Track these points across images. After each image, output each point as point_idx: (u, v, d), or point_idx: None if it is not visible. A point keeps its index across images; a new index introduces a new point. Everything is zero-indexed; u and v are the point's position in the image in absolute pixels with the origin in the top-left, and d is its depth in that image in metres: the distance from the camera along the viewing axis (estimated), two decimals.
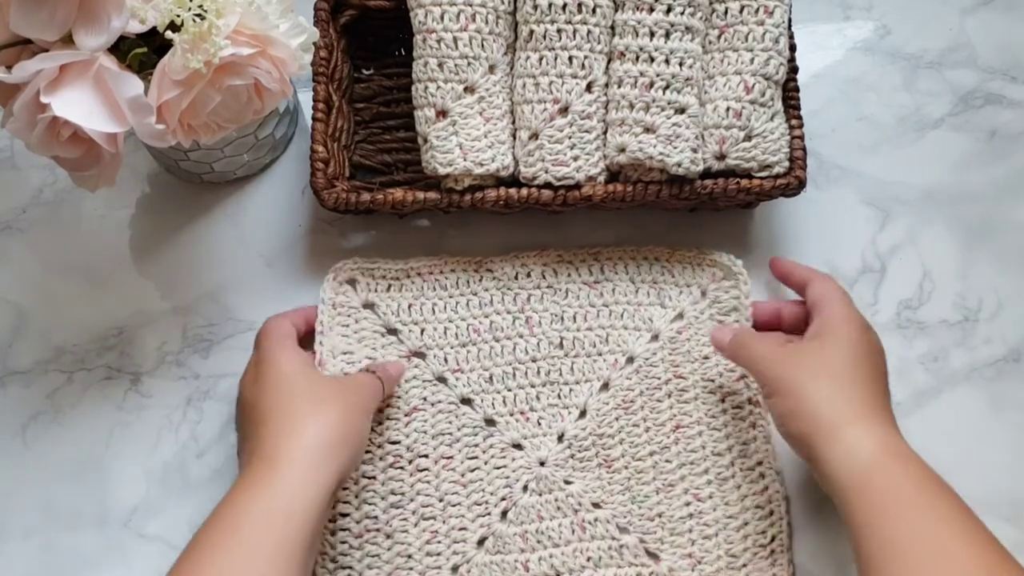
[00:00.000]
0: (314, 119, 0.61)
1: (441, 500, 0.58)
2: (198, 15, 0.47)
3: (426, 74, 0.61)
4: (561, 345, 0.61)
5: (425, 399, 0.60)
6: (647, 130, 0.60)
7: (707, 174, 0.61)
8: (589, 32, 0.60)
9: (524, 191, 0.61)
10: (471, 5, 0.60)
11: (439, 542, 0.57)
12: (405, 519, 0.58)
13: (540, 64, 0.61)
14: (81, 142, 0.49)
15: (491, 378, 0.61)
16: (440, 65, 0.60)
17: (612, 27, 0.61)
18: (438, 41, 0.60)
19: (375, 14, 0.65)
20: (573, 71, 0.61)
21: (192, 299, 0.64)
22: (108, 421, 0.62)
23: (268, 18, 0.50)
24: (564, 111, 0.61)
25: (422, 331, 0.62)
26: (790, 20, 0.62)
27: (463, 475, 0.58)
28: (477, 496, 0.58)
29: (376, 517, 0.57)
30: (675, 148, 0.59)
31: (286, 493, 0.47)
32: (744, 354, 0.57)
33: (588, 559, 0.57)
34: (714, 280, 0.63)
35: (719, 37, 0.61)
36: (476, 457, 0.59)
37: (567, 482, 0.59)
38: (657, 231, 0.66)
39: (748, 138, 0.60)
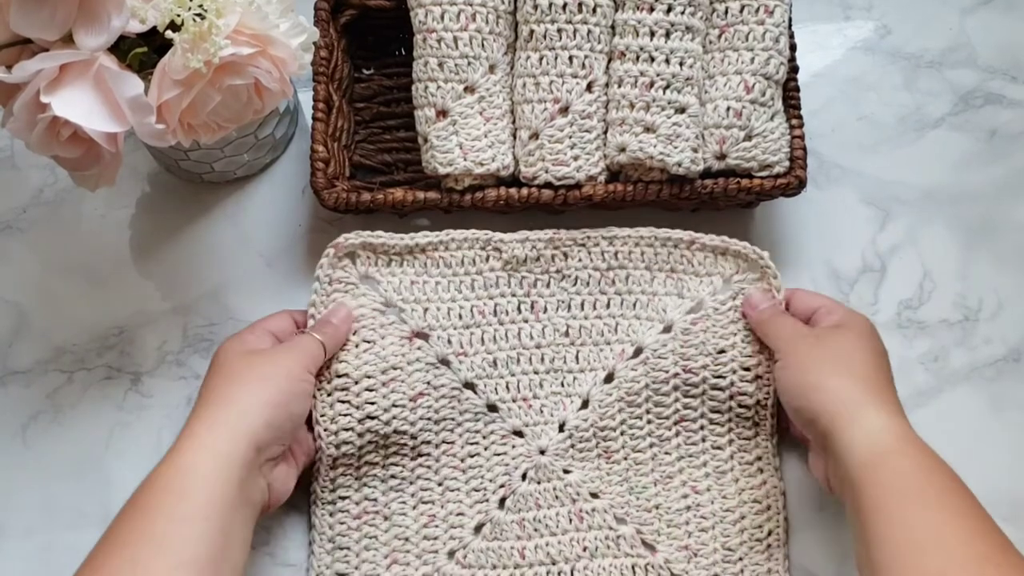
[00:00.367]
0: (314, 119, 0.61)
1: (440, 485, 0.58)
2: (198, 15, 0.47)
3: (426, 74, 0.61)
4: (567, 333, 0.60)
5: (429, 383, 0.58)
6: (647, 130, 0.60)
7: (707, 174, 0.61)
8: (589, 32, 0.60)
9: (524, 191, 0.61)
10: (471, 5, 0.60)
11: (436, 526, 0.58)
12: (404, 502, 0.58)
13: (540, 64, 0.61)
14: (81, 142, 0.49)
15: (495, 363, 0.60)
16: (440, 65, 0.60)
17: (612, 27, 0.61)
18: (438, 41, 0.60)
19: (375, 14, 0.65)
20: (573, 71, 0.61)
21: (192, 299, 0.64)
22: (108, 421, 0.62)
23: (268, 18, 0.50)
24: (564, 111, 0.61)
25: (425, 311, 0.60)
26: (790, 20, 0.62)
27: (463, 460, 0.58)
28: (476, 483, 0.58)
29: (375, 500, 0.58)
30: (675, 148, 0.59)
31: (181, 466, 0.48)
32: (773, 321, 0.57)
33: (584, 549, 0.57)
34: (739, 271, 0.61)
35: (719, 37, 0.61)
36: (477, 443, 0.59)
37: (566, 471, 0.59)
38: None
39: (748, 138, 0.60)
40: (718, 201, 0.62)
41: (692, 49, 0.60)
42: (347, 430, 0.57)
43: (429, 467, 0.58)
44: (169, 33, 0.47)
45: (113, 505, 0.59)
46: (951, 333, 0.64)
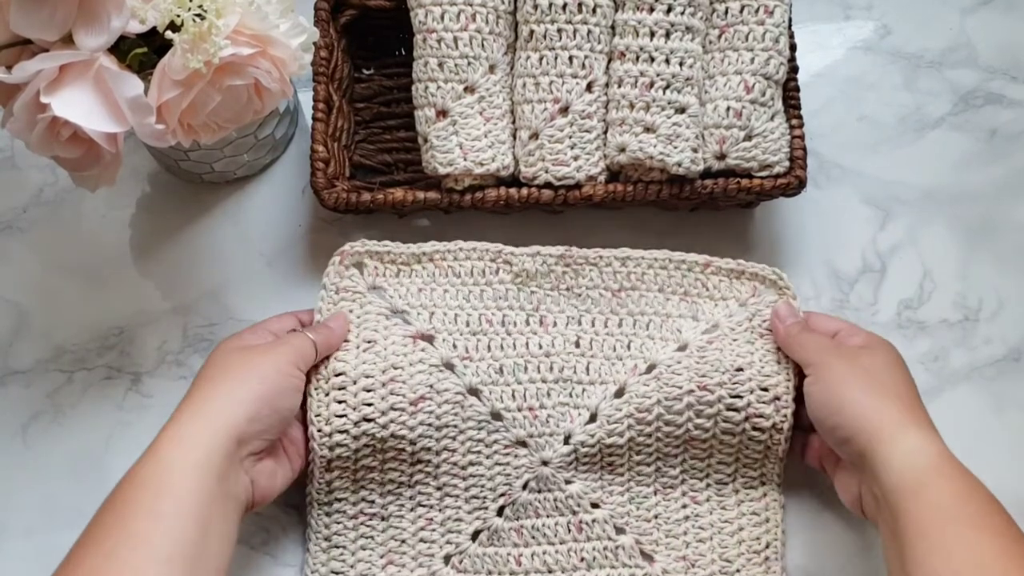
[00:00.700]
0: (314, 119, 0.61)
1: (439, 490, 0.58)
2: (198, 15, 0.47)
3: (426, 74, 0.61)
4: (578, 344, 0.59)
5: (432, 387, 0.56)
6: (647, 130, 0.60)
7: (707, 174, 0.61)
8: (589, 32, 0.60)
9: (524, 191, 0.61)
10: (471, 5, 0.60)
11: (433, 530, 0.57)
12: (401, 505, 0.58)
13: (540, 64, 0.61)
14: (81, 142, 0.49)
15: (501, 369, 0.58)
16: (440, 65, 0.60)
17: (612, 27, 0.61)
18: (438, 41, 0.60)
19: (375, 14, 0.65)
20: (573, 71, 0.61)
21: (192, 299, 0.64)
22: (108, 421, 0.62)
23: (268, 18, 0.50)
24: (564, 111, 0.61)
25: (431, 315, 0.59)
26: (790, 20, 0.62)
27: (464, 468, 0.58)
28: (476, 490, 0.58)
29: (373, 501, 0.57)
30: (675, 148, 0.59)
31: (160, 459, 0.48)
32: (803, 336, 0.56)
33: (582, 559, 0.57)
34: (755, 294, 0.60)
35: (719, 37, 0.61)
36: (479, 452, 0.58)
37: (568, 482, 0.58)
38: (658, 231, 0.66)
39: (748, 138, 0.60)
40: (718, 201, 0.62)
41: (692, 49, 0.60)
42: (342, 432, 0.55)
43: (428, 473, 0.58)
44: (169, 33, 0.47)
45: None
46: (951, 333, 0.64)
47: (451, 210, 0.62)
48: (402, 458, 0.57)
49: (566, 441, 0.58)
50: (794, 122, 0.62)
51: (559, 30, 0.60)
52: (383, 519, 0.57)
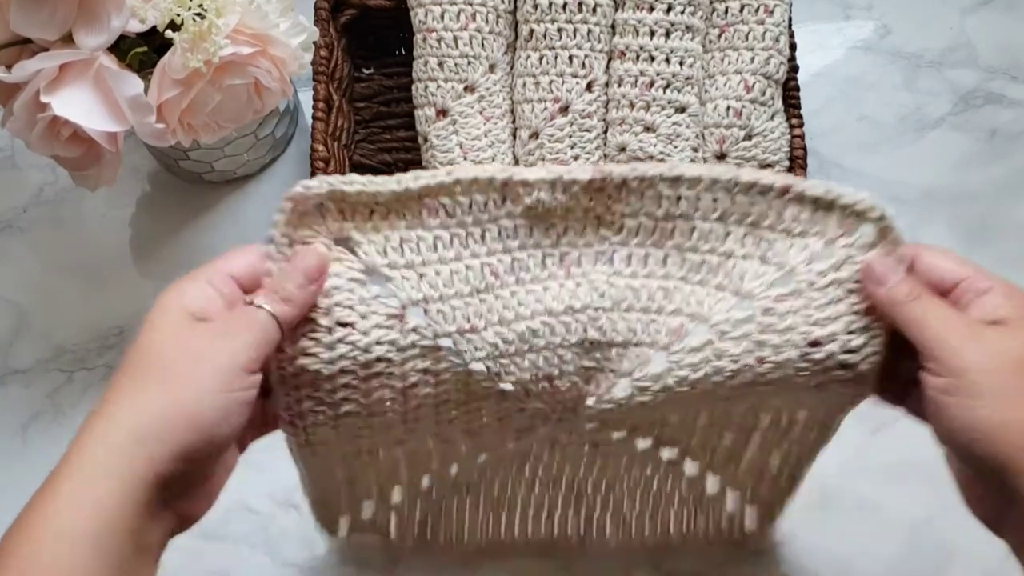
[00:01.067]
0: (314, 118, 0.61)
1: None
2: (198, 14, 0.47)
3: (426, 73, 0.61)
4: (604, 295, 0.44)
5: (427, 370, 0.44)
6: (647, 129, 0.60)
7: None
8: (589, 31, 0.60)
9: None
10: (471, 4, 0.60)
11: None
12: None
13: (540, 63, 0.61)
14: (81, 141, 0.49)
15: (511, 338, 0.44)
16: (440, 64, 0.60)
17: (612, 26, 0.61)
18: (438, 40, 0.60)
19: (375, 13, 0.65)
20: (573, 70, 0.61)
21: None
22: None
23: (268, 17, 0.50)
24: (564, 110, 0.61)
25: (420, 276, 0.43)
26: (790, 19, 0.62)
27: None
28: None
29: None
30: (675, 147, 0.59)
31: (50, 520, 0.37)
32: (919, 312, 0.40)
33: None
34: (846, 232, 0.44)
35: (719, 36, 0.61)
36: (487, 421, 0.48)
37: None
38: None
39: (748, 137, 0.60)
40: None
41: (692, 48, 0.60)
42: (320, 426, 0.45)
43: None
44: (169, 33, 0.48)
45: None
46: None
47: None
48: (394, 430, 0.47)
49: (589, 420, 0.47)
50: (794, 122, 0.62)
51: (559, 29, 0.60)
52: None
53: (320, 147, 0.60)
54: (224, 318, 0.40)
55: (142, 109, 0.48)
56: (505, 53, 0.62)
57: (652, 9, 0.60)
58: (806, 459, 0.51)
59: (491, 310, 0.44)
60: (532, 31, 0.60)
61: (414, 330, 0.43)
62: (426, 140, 0.61)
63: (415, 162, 0.64)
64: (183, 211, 0.66)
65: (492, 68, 0.61)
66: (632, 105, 0.60)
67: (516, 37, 0.62)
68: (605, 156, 0.62)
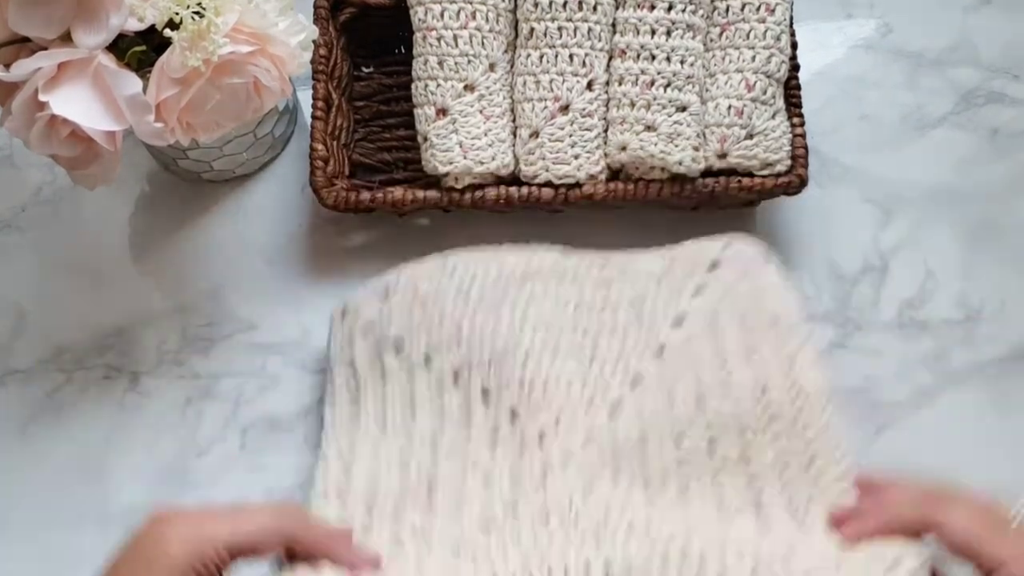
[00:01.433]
0: (313, 117, 0.61)
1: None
2: (197, 13, 0.47)
3: (426, 72, 0.61)
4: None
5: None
6: (648, 128, 0.60)
7: (708, 172, 0.61)
8: (590, 30, 0.60)
9: (525, 190, 0.61)
10: (471, 3, 0.60)
11: None
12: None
13: (541, 62, 0.60)
14: (80, 140, 0.49)
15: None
16: (440, 63, 0.60)
17: (613, 25, 0.61)
18: (438, 39, 0.60)
19: (375, 12, 0.65)
20: (574, 69, 0.60)
21: (191, 298, 0.64)
22: (108, 420, 0.61)
23: (267, 16, 0.50)
24: (565, 109, 0.61)
25: (428, 336, 0.54)
26: (792, 18, 0.62)
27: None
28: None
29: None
30: (676, 146, 0.59)
31: None
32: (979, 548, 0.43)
33: None
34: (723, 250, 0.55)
35: (720, 35, 0.61)
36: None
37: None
38: (658, 230, 0.66)
39: (750, 136, 0.60)
40: (719, 200, 0.62)
41: (693, 47, 0.60)
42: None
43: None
44: (168, 31, 0.47)
45: (112, 505, 0.60)
46: (953, 332, 0.64)
47: (451, 209, 0.62)
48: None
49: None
50: (795, 120, 0.61)
51: (559, 28, 0.60)
52: None
53: (319, 146, 0.60)
54: None
55: (141, 108, 0.48)
56: (505, 52, 0.62)
57: (653, 8, 0.59)
58: None
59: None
60: (532, 29, 0.60)
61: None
62: (426, 139, 0.61)
63: (415, 161, 0.64)
64: (182, 210, 0.66)
65: (492, 67, 0.61)
66: (633, 104, 0.60)
67: (516, 36, 0.62)
68: (606, 155, 0.61)
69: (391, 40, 0.68)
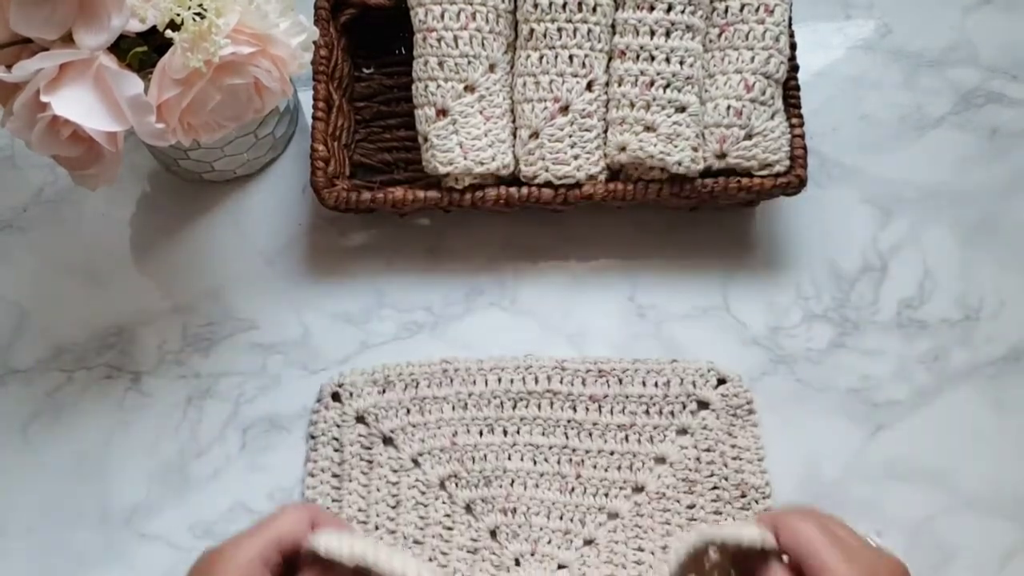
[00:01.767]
0: (314, 118, 0.61)
1: None
2: (198, 14, 0.47)
3: (426, 73, 0.61)
4: (570, 461, 0.58)
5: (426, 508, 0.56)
6: (648, 129, 0.60)
7: (708, 173, 0.61)
8: (589, 31, 0.60)
9: (525, 190, 0.61)
10: (471, 4, 0.60)
11: None
12: None
13: (540, 63, 0.61)
14: (81, 141, 0.49)
15: (489, 483, 0.57)
16: (440, 64, 0.60)
17: (613, 26, 0.61)
18: (438, 40, 0.60)
19: (375, 13, 0.65)
20: (574, 70, 0.60)
21: (192, 298, 0.64)
22: (108, 420, 0.62)
23: (268, 17, 0.50)
24: (565, 110, 0.61)
25: (422, 440, 0.58)
26: (791, 18, 0.62)
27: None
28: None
29: None
30: (676, 147, 0.59)
31: None
32: None
33: None
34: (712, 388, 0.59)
35: (720, 36, 0.61)
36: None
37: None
38: (658, 230, 0.66)
39: (749, 137, 0.60)
40: (718, 200, 0.62)
41: (692, 48, 0.60)
42: None
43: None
44: (169, 32, 0.47)
45: (113, 504, 0.60)
46: (952, 332, 0.64)
47: (451, 209, 0.62)
48: None
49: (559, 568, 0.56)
50: (794, 121, 0.61)
51: (559, 29, 0.60)
52: None
53: (320, 147, 0.60)
54: None
55: (142, 109, 0.48)
56: (505, 52, 0.62)
57: (652, 9, 0.60)
58: None
59: (476, 464, 0.56)
60: (532, 30, 0.60)
61: (408, 473, 0.56)
62: (426, 140, 0.61)
63: (415, 161, 0.64)
64: (183, 211, 0.66)
65: (492, 68, 0.61)
66: (632, 105, 0.60)
67: (516, 36, 0.62)
68: (605, 156, 0.62)
69: (391, 41, 0.68)
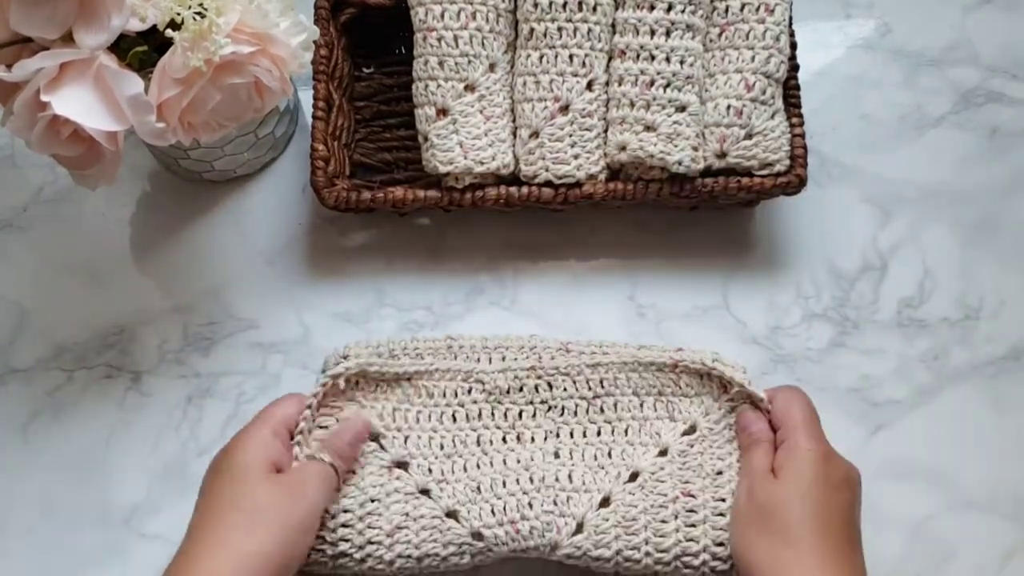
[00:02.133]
0: (314, 117, 0.61)
1: None
2: (198, 13, 0.47)
3: (426, 72, 0.61)
4: (557, 455, 0.56)
5: (407, 515, 0.54)
6: (648, 128, 0.60)
7: (708, 172, 0.61)
8: (590, 30, 0.60)
9: (525, 189, 0.61)
10: (471, 3, 0.60)
11: None
12: None
13: (540, 62, 0.61)
14: (81, 140, 0.49)
15: (478, 487, 0.55)
16: (440, 63, 0.60)
17: (613, 25, 0.61)
18: (438, 39, 0.60)
19: (375, 12, 0.65)
20: (574, 69, 0.60)
21: (193, 297, 0.64)
22: (109, 419, 0.62)
23: (268, 16, 0.50)
24: (565, 109, 0.61)
25: (406, 438, 0.56)
26: (791, 18, 0.62)
27: None
28: None
29: None
30: (676, 146, 0.59)
31: None
32: (745, 453, 0.55)
33: None
34: (727, 389, 0.57)
35: (720, 35, 0.61)
36: (465, 566, 0.55)
37: None
38: (658, 230, 0.66)
39: (749, 136, 0.60)
40: (718, 200, 0.62)
41: (692, 47, 0.60)
42: (318, 564, 0.53)
43: None
44: (169, 32, 0.47)
45: (113, 504, 0.60)
46: (952, 332, 0.64)
47: (451, 209, 0.62)
48: None
49: (552, 551, 0.55)
50: (794, 120, 0.61)
51: (559, 28, 0.60)
52: None
53: (320, 146, 0.60)
54: (296, 470, 0.52)
55: (142, 108, 0.48)
56: (505, 52, 0.62)
57: (652, 8, 0.60)
58: None
59: (461, 468, 0.56)
60: (532, 30, 0.60)
61: (398, 478, 0.56)
62: (426, 139, 0.61)
63: (415, 161, 0.64)
64: (183, 210, 0.66)
65: (492, 67, 0.61)
66: (632, 104, 0.60)
67: (516, 36, 0.62)
68: (605, 155, 0.62)
69: (392, 40, 0.68)
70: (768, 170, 0.60)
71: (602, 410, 0.58)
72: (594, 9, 0.60)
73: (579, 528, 0.55)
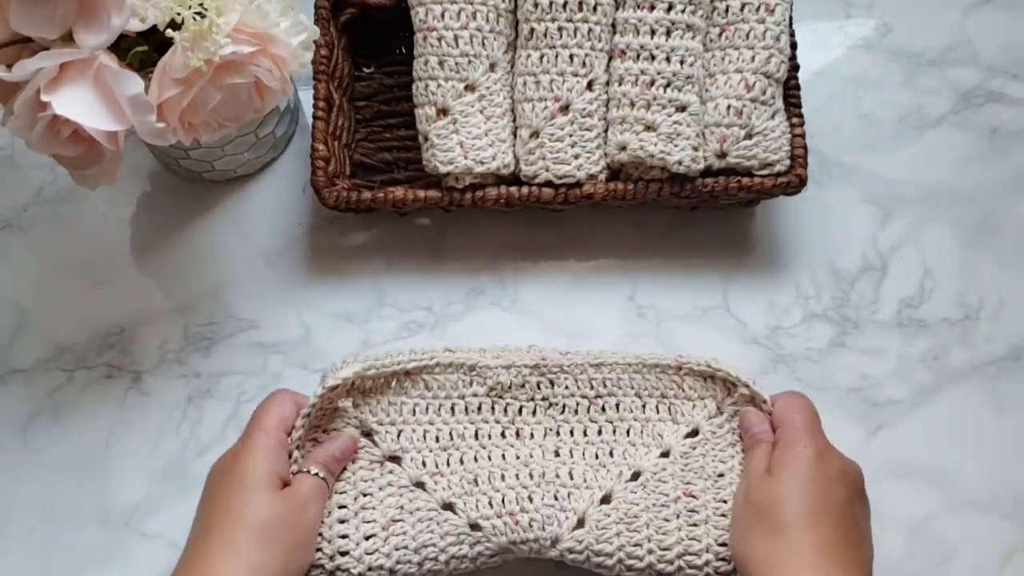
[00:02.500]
0: (315, 117, 0.61)
1: None
2: (198, 13, 0.47)
3: (427, 72, 0.61)
4: (557, 453, 0.56)
5: (402, 508, 0.54)
6: (648, 128, 0.60)
7: (708, 172, 0.61)
8: (590, 30, 0.60)
9: (525, 189, 0.61)
10: (472, 3, 0.60)
11: None
12: None
13: (541, 62, 0.61)
14: (81, 140, 0.49)
15: (475, 480, 0.55)
16: (441, 63, 0.60)
17: (613, 25, 0.61)
18: (439, 39, 0.60)
19: (376, 12, 0.65)
20: (574, 69, 0.60)
21: (193, 297, 0.64)
22: (109, 420, 0.62)
23: (269, 16, 0.50)
24: (565, 109, 0.61)
25: (399, 433, 0.56)
26: (791, 18, 0.62)
27: None
28: None
29: None
30: (676, 146, 0.59)
31: None
32: (748, 453, 0.55)
33: None
34: (730, 393, 0.57)
35: (720, 35, 0.61)
36: (464, 566, 0.54)
37: None
38: (658, 230, 0.66)
39: (749, 136, 0.60)
40: (719, 200, 0.62)
41: (693, 47, 0.60)
42: (316, 567, 0.53)
43: None
44: (169, 32, 0.47)
45: (113, 504, 0.60)
46: (952, 332, 0.64)
47: (451, 209, 0.62)
48: None
49: (553, 545, 0.54)
50: (795, 120, 0.61)
51: (559, 28, 0.60)
52: None
53: (320, 146, 0.60)
54: (297, 486, 0.52)
55: (142, 108, 0.48)
56: (506, 52, 0.62)
57: (653, 8, 0.60)
58: None
59: (458, 460, 0.56)
60: (532, 30, 0.60)
61: (391, 471, 0.56)
62: (426, 139, 0.61)
63: (416, 161, 0.64)
64: (183, 210, 0.66)
65: (493, 67, 0.61)
66: (633, 104, 0.60)
67: (517, 36, 0.62)
68: (606, 155, 0.62)
69: (392, 40, 0.68)
70: (768, 170, 0.60)
71: (603, 410, 0.57)
72: (594, 9, 0.60)
73: (580, 523, 0.54)
